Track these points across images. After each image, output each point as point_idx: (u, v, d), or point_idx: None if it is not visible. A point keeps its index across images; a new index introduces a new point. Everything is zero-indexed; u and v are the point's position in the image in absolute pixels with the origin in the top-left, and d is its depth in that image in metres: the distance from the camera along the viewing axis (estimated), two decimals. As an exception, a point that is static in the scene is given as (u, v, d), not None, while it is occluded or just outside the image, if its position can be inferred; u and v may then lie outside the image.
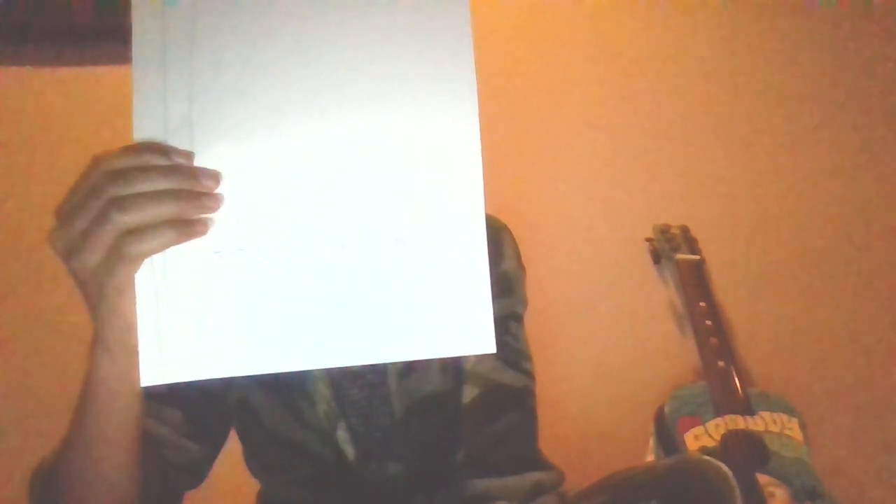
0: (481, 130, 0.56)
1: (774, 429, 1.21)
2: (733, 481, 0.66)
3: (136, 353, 0.52)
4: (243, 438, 0.86)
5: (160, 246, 0.50)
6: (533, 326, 0.91)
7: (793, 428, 1.22)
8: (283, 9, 0.54)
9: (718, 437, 1.18)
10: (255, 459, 0.88)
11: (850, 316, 1.54)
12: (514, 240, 0.90)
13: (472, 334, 0.55)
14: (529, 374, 0.84)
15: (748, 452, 1.15)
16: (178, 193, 0.50)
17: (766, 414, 1.23)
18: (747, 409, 1.23)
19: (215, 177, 0.52)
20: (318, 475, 0.83)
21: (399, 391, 0.81)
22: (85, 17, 1.75)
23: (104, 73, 1.76)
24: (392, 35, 0.55)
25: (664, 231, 1.53)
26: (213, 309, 0.53)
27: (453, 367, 0.82)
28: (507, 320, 0.85)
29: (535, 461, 0.81)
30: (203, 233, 0.52)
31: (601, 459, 0.88)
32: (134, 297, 0.51)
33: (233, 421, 0.85)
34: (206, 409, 0.80)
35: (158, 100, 0.52)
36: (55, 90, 1.76)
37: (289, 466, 0.83)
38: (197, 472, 0.80)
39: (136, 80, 0.53)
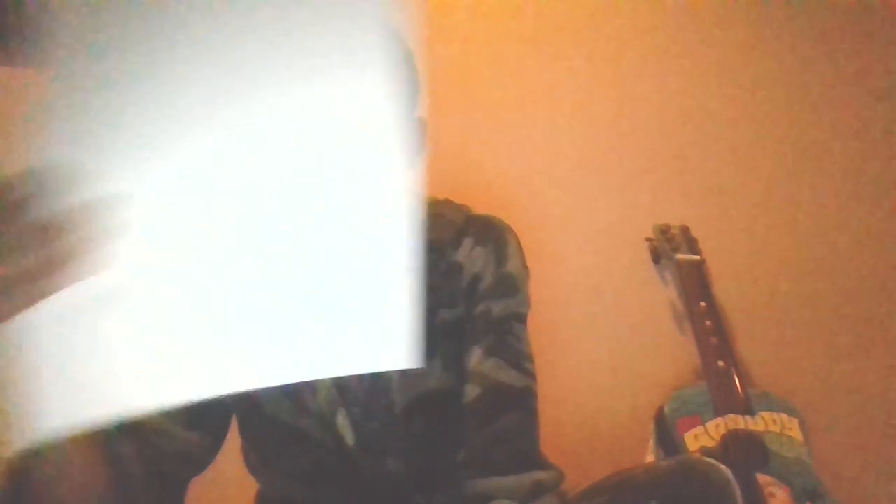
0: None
1: (774, 429, 1.20)
2: (734, 483, 0.66)
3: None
4: (244, 429, 0.86)
5: (30, 302, 0.45)
6: (533, 326, 0.91)
7: (793, 428, 1.21)
8: (177, 17, 0.49)
9: (718, 437, 1.18)
10: (254, 452, 0.88)
11: (851, 316, 1.54)
12: (518, 241, 0.90)
13: (397, 349, 0.54)
14: (531, 375, 0.84)
15: (748, 452, 1.15)
16: (51, 236, 0.45)
17: (766, 414, 1.23)
18: (747, 409, 1.22)
19: (96, 211, 0.47)
20: (318, 465, 0.83)
21: (400, 385, 0.82)
22: (85, 17, 1.74)
23: (104, 73, 1.76)
24: (298, 28, 0.50)
25: (664, 231, 1.53)
26: (128, 340, 0.50)
27: (456, 365, 0.83)
28: (510, 320, 0.85)
29: (536, 460, 0.81)
30: (91, 274, 0.47)
31: (601, 459, 0.88)
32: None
33: (233, 411, 0.85)
34: (206, 399, 0.79)
35: (47, 119, 0.48)
36: (55, 90, 1.75)
37: (289, 455, 0.83)
38: (198, 461, 0.80)
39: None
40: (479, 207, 1.00)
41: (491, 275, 0.86)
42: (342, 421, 0.81)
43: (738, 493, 0.65)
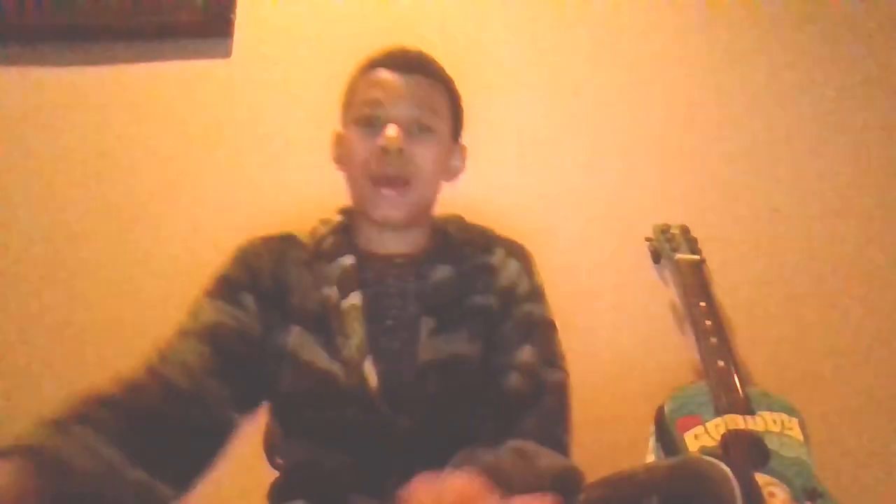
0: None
1: (774, 429, 1.20)
2: (734, 481, 0.67)
3: None
4: (277, 381, 0.92)
5: None
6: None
7: (793, 428, 1.21)
8: None
9: (718, 437, 1.18)
10: (280, 416, 0.94)
11: (850, 316, 1.54)
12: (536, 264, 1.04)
13: None
14: (565, 372, 0.95)
15: (748, 452, 1.15)
16: None
17: (766, 414, 1.23)
18: (747, 409, 1.22)
19: None
20: (341, 415, 0.89)
21: (426, 345, 0.92)
22: (85, 17, 1.75)
23: (104, 73, 1.76)
24: None
25: (664, 231, 1.53)
26: None
27: (483, 337, 0.94)
28: (548, 325, 0.98)
29: (567, 450, 0.89)
30: None
31: (601, 459, 0.88)
32: None
33: (267, 367, 0.92)
34: (238, 349, 0.90)
35: None
36: (56, 90, 1.75)
37: (316, 404, 0.90)
38: (219, 415, 0.87)
39: None
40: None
41: (526, 283, 1.00)
42: (368, 367, 0.89)
43: (737, 490, 0.66)
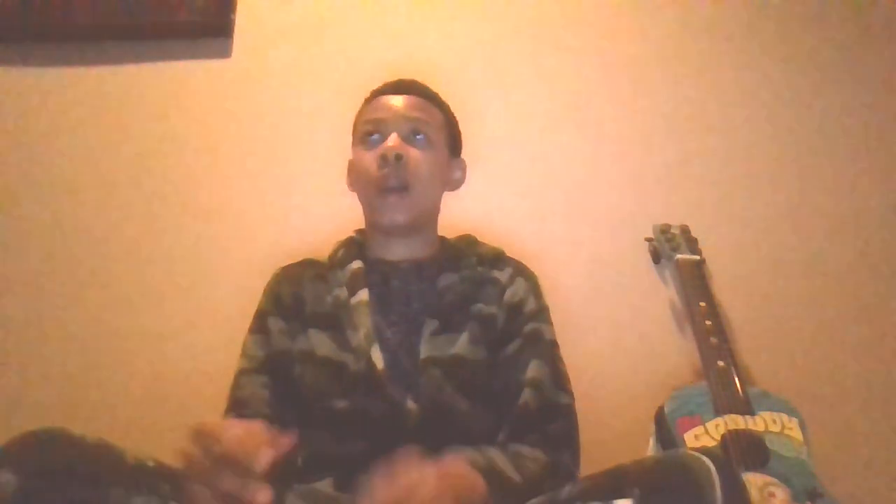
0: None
1: (774, 429, 1.20)
2: (715, 474, 0.66)
3: None
4: (302, 381, 1.00)
5: None
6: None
7: (793, 428, 1.21)
8: None
9: (718, 437, 1.18)
10: (306, 397, 0.99)
11: (850, 316, 1.54)
12: None
13: None
14: (572, 395, 1.01)
15: (748, 452, 1.15)
16: None
17: (766, 414, 1.22)
18: (747, 409, 1.22)
19: None
20: (352, 402, 0.95)
21: (427, 343, 0.98)
22: (85, 17, 1.75)
23: (104, 73, 1.76)
24: None
25: (664, 231, 1.53)
26: None
27: (484, 342, 1.00)
28: (555, 346, 1.04)
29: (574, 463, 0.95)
30: None
31: (601, 459, 0.88)
32: None
33: (294, 371, 1.01)
34: (284, 370, 1.00)
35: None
36: (56, 90, 1.76)
37: (330, 388, 0.97)
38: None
39: None
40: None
41: (534, 302, 1.05)
42: (376, 353, 0.97)
43: (718, 483, 0.66)
